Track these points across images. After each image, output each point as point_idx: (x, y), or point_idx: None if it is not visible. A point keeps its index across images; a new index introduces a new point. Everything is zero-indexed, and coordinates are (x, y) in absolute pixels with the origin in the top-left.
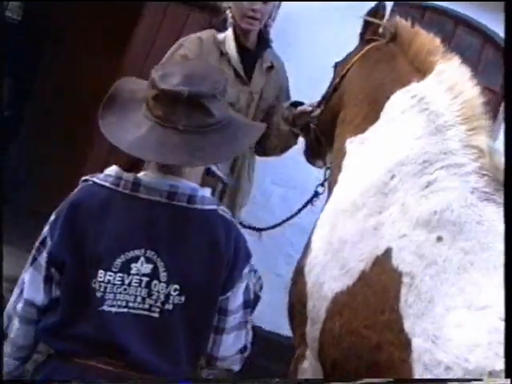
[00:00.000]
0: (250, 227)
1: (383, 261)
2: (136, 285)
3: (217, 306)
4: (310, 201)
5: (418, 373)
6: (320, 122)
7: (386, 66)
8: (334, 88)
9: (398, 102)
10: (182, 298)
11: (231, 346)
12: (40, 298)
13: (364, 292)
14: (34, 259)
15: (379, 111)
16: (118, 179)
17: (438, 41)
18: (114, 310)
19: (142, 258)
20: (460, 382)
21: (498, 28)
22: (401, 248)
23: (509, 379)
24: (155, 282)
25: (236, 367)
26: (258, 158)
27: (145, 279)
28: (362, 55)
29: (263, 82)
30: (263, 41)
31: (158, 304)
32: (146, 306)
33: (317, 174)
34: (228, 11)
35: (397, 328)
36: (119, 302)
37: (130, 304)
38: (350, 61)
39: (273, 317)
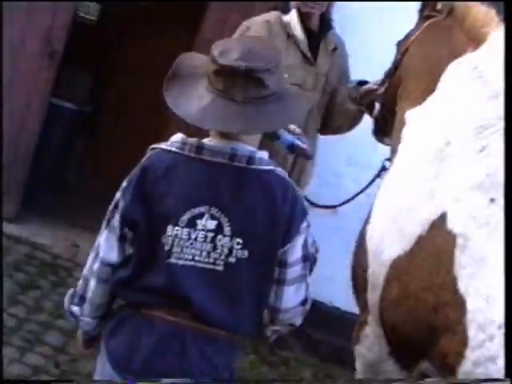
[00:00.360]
0: (321, 206)
1: (439, 224)
2: (202, 240)
3: (276, 259)
4: (377, 175)
5: (472, 333)
6: (384, 99)
7: (442, 40)
8: (395, 65)
9: (454, 73)
10: (245, 253)
11: (293, 297)
12: (114, 256)
13: (420, 255)
14: (108, 222)
15: (436, 82)
16: (183, 144)
17: (492, 12)
18: (180, 262)
19: (207, 215)
20: (486, 382)
21: None
22: (455, 211)
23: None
24: (220, 236)
25: (298, 321)
26: (329, 140)
27: (210, 234)
28: (420, 32)
29: (328, 64)
30: (326, 22)
31: (222, 257)
32: (211, 260)
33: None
34: None
35: (452, 289)
36: (186, 256)
37: (197, 258)
38: (409, 38)
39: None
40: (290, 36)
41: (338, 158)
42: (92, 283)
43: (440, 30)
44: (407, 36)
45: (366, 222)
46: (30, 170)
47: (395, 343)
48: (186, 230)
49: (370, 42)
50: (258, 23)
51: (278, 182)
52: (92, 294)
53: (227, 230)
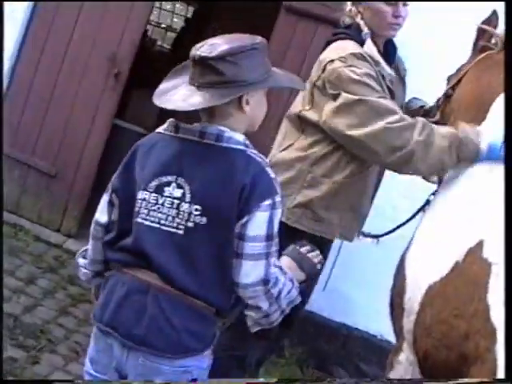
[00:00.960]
0: (367, 235)
1: (475, 252)
2: (168, 206)
3: (234, 230)
4: (421, 208)
5: (501, 362)
6: None
7: (495, 72)
8: (447, 95)
9: (501, 103)
10: (204, 219)
11: (250, 273)
12: (104, 218)
13: (455, 282)
14: (106, 190)
15: (486, 112)
16: (168, 125)
17: None
18: (146, 223)
19: (174, 184)
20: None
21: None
22: (492, 239)
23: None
24: (183, 203)
25: (263, 304)
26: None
27: (176, 201)
28: (474, 63)
29: (401, 90)
30: (393, 43)
31: (183, 222)
32: (175, 224)
33: None
34: (359, 20)
35: (484, 317)
36: (152, 218)
37: (162, 221)
38: (463, 69)
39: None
40: (375, 65)
41: (394, 191)
42: (90, 240)
43: (493, 63)
44: (459, 69)
45: (407, 249)
46: (92, 187)
47: (427, 371)
48: (153, 195)
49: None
50: (351, 57)
51: (243, 158)
52: (89, 249)
53: (188, 197)
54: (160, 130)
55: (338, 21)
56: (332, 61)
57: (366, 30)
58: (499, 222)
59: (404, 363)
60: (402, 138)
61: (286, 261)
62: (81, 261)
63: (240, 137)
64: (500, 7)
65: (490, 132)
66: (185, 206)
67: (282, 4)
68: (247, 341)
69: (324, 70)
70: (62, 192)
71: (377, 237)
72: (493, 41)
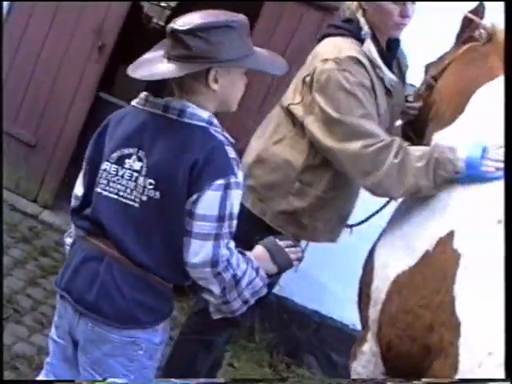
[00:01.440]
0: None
1: (445, 242)
2: (127, 178)
3: (185, 207)
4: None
5: (463, 356)
6: (414, 120)
7: (478, 64)
8: (427, 87)
9: (482, 94)
10: (157, 193)
11: (197, 252)
12: (80, 190)
13: (424, 272)
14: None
15: (465, 104)
16: (139, 99)
17: None
18: (104, 193)
19: (134, 156)
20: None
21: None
22: (463, 230)
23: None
24: (140, 176)
25: (214, 288)
26: None
27: (135, 174)
28: (459, 55)
29: (400, 88)
30: (396, 40)
31: (139, 195)
32: (132, 197)
33: None
34: (359, 17)
35: (449, 309)
36: (111, 189)
37: (121, 193)
38: (445, 60)
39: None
40: (374, 68)
41: None
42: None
43: (477, 55)
44: (440, 58)
45: (378, 239)
46: (71, 159)
47: (390, 362)
48: (114, 166)
49: None
50: (347, 61)
51: (201, 135)
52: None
53: (144, 170)
54: (133, 102)
55: (326, 7)
56: (326, 60)
57: (366, 28)
58: (471, 213)
59: (367, 354)
60: (376, 162)
61: (258, 250)
62: (67, 240)
63: (204, 113)
64: (500, 7)
65: (467, 124)
66: (141, 179)
67: None
68: (216, 327)
69: (316, 68)
70: (41, 163)
71: (350, 226)
72: (477, 32)
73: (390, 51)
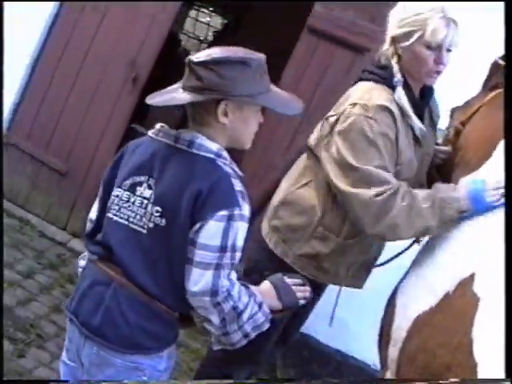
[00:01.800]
0: None
1: (466, 285)
2: (138, 205)
3: (189, 236)
4: (416, 240)
5: None
6: (441, 165)
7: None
8: (455, 132)
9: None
10: (163, 221)
11: (197, 281)
12: (94, 214)
13: (444, 313)
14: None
15: (492, 150)
16: (155, 129)
17: None
18: (115, 218)
19: (145, 184)
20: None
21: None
22: (484, 273)
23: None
24: (149, 204)
25: (213, 318)
26: None
27: (145, 201)
28: (487, 101)
29: (431, 137)
30: (430, 88)
31: (147, 222)
32: (141, 224)
33: None
34: (393, 64)
35: (467, 350)
36: (122, 215)
37: (131, 219)
38: (473, 106)
39: None
40: (403, 116)
41: None
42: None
43: None
44: (466, 103)
45: (401, 279)
46: None
47: None
48: (126, 192)
49: None
50: (375, 109)
51: (208, 166)
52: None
53: (152, 198)
54: (149, 132)
55: (356, 47)
56: (355, 104)
57: (398, 76)
58: (493, 257)
59: None
60: (385, 207)
61: (265, 285)
62: (81, 262)
63: (213, 145)
64: (500, 7)
65: (494, 170)
66: (149, 207)
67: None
68: (235, 363)
69: (344, 110)
70: (72, 191)
71: (375, 266)
72: None
73: (423, 99)
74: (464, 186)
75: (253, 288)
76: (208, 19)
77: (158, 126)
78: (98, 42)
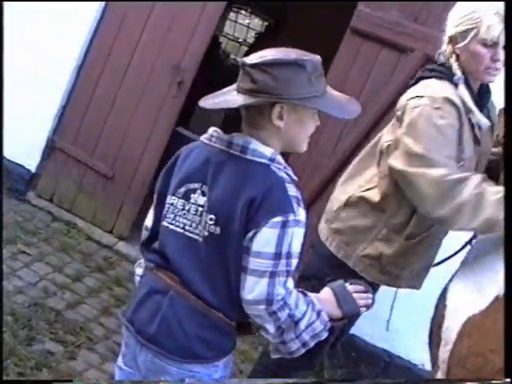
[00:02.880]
0: None
1: None
2: (193, 212)
3: (243, 243)
4: (468, 242)
5: None
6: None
7: None
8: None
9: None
10: (218, 229)
11: (251, 289)
12: (150, 222)
13: (494, 316)
14: None
15: None
16: (207, 134)
17: None
18: (171, 227)
19: (199, 191)
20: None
21: None
22: None
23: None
24: (204, 211)
25: (269, 326)
26: None
27: (200, 209)
28: None
29: (489, 138)
30: (487, 88)
31: (202, 230)
32: (197, 231)
33: None
34: (453, 62)
35: None
36: (177, 223)
37: (186, 227)
38: None
39: None
40: (466, 112)
41: None
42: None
43: None
44: None
45: (450, 279)
46: (148, 192)
47: None
48: (181, 200)
49: None
50: (442, 100)
51: (261, 172)
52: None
53: (206, 205)
54: (201, 137)
55: (401, 47)
56: (421, 97)
57: (459, 73)
58: None
59: None
60: (455, 190)
61: (325, 292)
62: (137, 270)
63: (267, 150)
64: (500, 7)
65: None
66: (204, 214)
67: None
68: (290, 368)
69: (409, 101)
70: (118, 194)
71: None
72: None
73: (482, 99)
74: None
75: (311, 295)
76: (247, 21)
77: (210, 130)
78: (143, 46)
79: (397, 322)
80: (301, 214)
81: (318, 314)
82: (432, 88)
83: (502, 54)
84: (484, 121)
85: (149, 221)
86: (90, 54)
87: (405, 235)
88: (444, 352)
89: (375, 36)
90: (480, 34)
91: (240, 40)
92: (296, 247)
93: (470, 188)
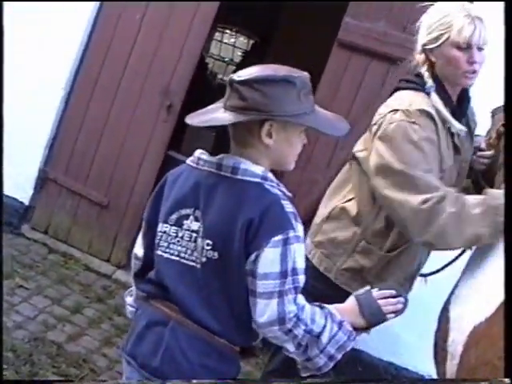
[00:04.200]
0: None
1: None
2: (187, 239)
3: (245, 266)
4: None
5: None
6: (485, 169)
7: None
8: (498, 135)
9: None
10: (216, 254)
11: (263, 312)
12: (140, 252)
13: (500, 323)
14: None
15: None
16: (194, 156)
17: None
18: (165, 255)
19: (192, 217)
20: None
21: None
22: None
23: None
24: (199, 237)
25: (288, 345)
26: None
27: (194, 235)
28: None
29: (469, 145)
30: (466, 94)
31: (199, 256)
32: (193, 258)
33: None
34: (423, 71)
35: None
36: (172, 251)
37: (182, 254)
38: None
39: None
40: (443, 123)
41: None
42: (132, 275)
43: None
44: None
45: (452, 291)
46: (142, 218)
47: None
48: (174, 228)
49: None
50: (417, 114)
51: (255, 191)
52: (133, 285)
53: (201, 231)
54: (187, 161)
55: (390, 57)
56: (396, 111)
57: (430, 82)
58: None
59: None
60: (434, 214)
61: (348, 302)
62: (128, 299)
63: (257, 169)
64: (500, 7)
65: None
66: (199, 240)
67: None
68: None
69: (384, 116)
70: (113, 222)
71: (425, 276)
72: None
73: (461, 106)
74: None
75: (330, 307)
76: (233, 40)
77: (196, 153)
78: (130, 71)
79: (403, 334)
80: (299, 229)
81: (340, 324)
82: (407, 101)
83: (478, 56)
84: (459, 127)
85: (139, 249)
86: (78, 83)
87: (384, 247)
88: (452, 366)
89: (363, 48)
90: (452, 38)
91: (226, 59)
92: (300, 263)
93: (448, 207)
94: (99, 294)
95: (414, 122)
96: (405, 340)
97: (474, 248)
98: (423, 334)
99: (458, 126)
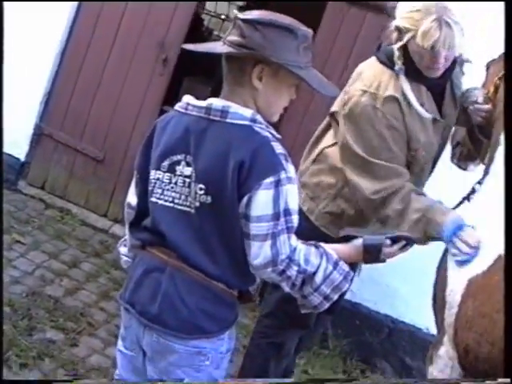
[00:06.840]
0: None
1: None
2: (181, 185)
3: (238, 209)
4: (466, 198)
5: None
6: (482, 122)
7: None
8: (494, 87)
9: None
10: (209, 198)
11: (257, 254)
12: (133, 200)
13: (498, 275)
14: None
15: None
16: (182, 103)
17: None
18: (160, 202)
19: (183, 162)
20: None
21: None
22: None
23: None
24: (192, 182)
25: (283, 285)
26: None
27: (187, 180)
28: None
29: (452, 110)
30: (450, 67)
31: (193, 201)
32: (187, 203)
33: None
34: (395, 50)
35: None
36: (166, 198)
37: (176, 200)
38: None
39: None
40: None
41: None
42: (126, 225)
43: None
44: (502, 56)
45: None
46: None
47: (468, 365)
48: (167, 174)
49: None
50: (383, 100)
51: (245, 134)
52: (127, 234)
53: (193, 175)
54: (176, 107)
55: (388, 9)
56: (364, 92)
57: (399, 64)
58: None
59: (444, 357)
60: (383, 203)
61: (354, 244)
62: (122, 249)
63: (246, 112)
64: (500, 7)
65: None
66: (192, 185)
67: None
68: (285, 329)
69: (353, 95)
70: (109, 177)
71: None
72: None
73: (443, 75)
74: (452, 220)
75: (326, 247)
76: None
77: (185, 99)
78: (125, 25)
79: (399, 287)
80: (291, 170)
81: (336, 264)
82: (377, 82)
83: (442, 57)
84: (425, 115)
85: (132, 198)
86: (73, 37)
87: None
88: (449, 315)
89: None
90: (416, 39)
91: (222, 16)
92: (293, 203)
93: (396, 203)
94: (96, 248)
95: (377, 109)
96: (402, 293)
97: (472, 199)
98: (420, 287)
99: (424, 115)
